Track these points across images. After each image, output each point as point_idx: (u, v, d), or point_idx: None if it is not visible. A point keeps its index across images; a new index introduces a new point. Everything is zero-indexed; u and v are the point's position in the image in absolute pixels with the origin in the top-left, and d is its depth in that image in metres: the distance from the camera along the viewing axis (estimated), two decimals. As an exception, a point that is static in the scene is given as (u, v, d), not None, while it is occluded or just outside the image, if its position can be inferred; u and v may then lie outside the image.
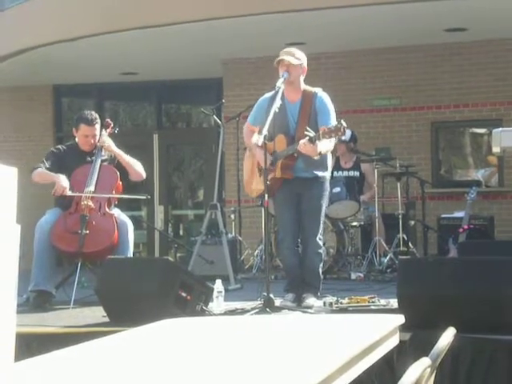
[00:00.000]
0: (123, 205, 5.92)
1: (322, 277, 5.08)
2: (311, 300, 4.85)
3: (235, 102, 8.85)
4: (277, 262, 7.27)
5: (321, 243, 5.02)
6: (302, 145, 4.72)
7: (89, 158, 5.65)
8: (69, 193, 5.42)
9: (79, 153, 5.68)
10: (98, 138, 5.66)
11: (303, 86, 5.00)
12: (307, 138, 4.69)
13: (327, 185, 5.08)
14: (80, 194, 5.44)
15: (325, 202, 5.06)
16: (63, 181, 5.41)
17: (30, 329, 4.39)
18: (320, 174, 4.99)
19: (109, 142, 5.65)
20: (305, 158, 4.88)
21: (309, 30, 8.23)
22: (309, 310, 4.63)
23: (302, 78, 4.99)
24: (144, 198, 5.42)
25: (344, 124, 4.67)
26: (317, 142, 4.68)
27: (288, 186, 4.99)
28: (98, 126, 5.65)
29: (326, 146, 4.80)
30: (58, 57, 9.09)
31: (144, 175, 5.74)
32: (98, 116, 5.70)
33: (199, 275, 5.11)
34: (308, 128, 4.73)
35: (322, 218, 5.04)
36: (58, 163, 5.59)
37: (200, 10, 7.83)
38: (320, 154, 4.77)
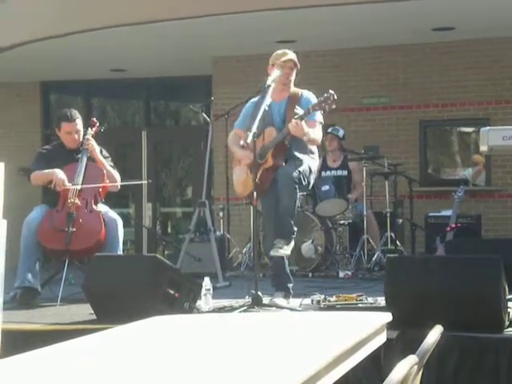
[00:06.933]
0: (110, 202, 5.91)
1: (293, 243, 4.79)
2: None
3: (224, 100, 8.84)
4: (265, 260, 7.27)
5: (295, 212, 4.75)
6: (294, 124, 4.63)
7: (76, 156, 5.64)
8: (68, 184, 5.43)
9: (66, 151, 5.67)
10: (81, 133, 5.65)
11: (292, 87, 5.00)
12: (297, 116, 4.66)
13: (308, 164, 4.82)
14: (86, 186, 5.43)
15: (303, 180, 4.76)
16: (60, 174, 5.44)
17: (17, 326, 4.37)
18: (302, 155, 4.83)
19: (93, 146, 5.63)
20: (296, 145, 4.82)
21: (299, 28, 8.24)
22: (297, 308, 4.63)
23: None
24: (145, 182, 5.47)
25: (332, 92, 4.63)
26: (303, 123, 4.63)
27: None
28: (79, 121, 5.64)
29: (314, 130, 4.78)
30: (45, 53, 9.04)
31: (118, 187, 5.74)
32: (77, 112, 5.71)
33: (187, 273, 5.10)
34: (297, 106, 4.70)
35: (298, 195, 4.77)
36: (47, 163, 5.59)
37: (190, 6, 7.82)
38: (307, 134, 4.68)
